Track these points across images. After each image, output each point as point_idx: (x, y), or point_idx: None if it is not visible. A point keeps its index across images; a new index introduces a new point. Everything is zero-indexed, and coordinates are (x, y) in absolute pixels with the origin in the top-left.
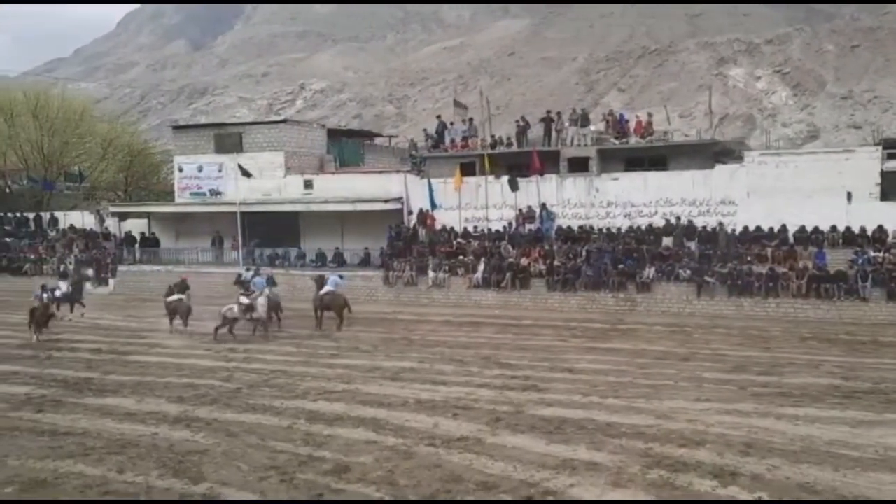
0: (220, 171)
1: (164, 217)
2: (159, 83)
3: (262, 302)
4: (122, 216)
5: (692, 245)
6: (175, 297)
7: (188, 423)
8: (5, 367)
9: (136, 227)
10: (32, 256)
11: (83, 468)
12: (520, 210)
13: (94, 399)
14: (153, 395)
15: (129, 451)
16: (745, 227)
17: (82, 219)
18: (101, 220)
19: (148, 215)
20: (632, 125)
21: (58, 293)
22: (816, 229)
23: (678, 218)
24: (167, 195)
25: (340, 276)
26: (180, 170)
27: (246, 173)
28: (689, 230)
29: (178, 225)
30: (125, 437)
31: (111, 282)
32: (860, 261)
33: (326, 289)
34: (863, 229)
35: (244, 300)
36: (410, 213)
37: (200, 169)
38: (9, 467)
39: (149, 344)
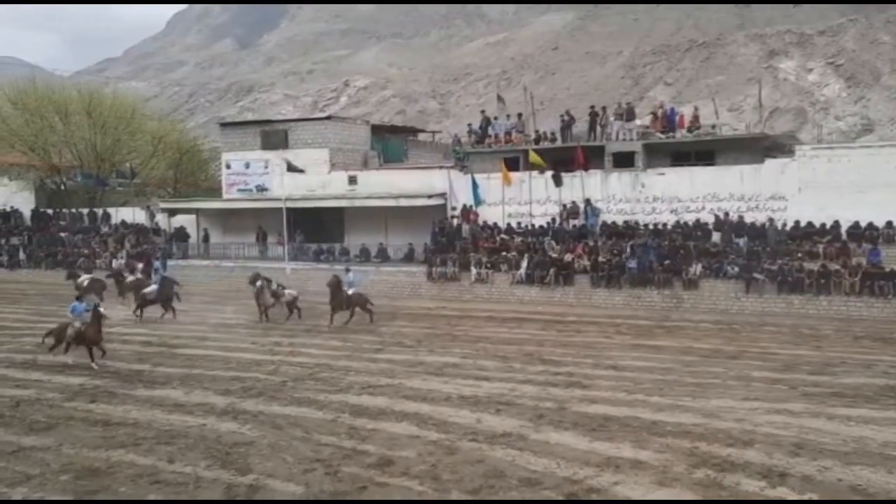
0: (266, 167)
1: (213, 213)
2: (207, 81)
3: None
4: (172, 212)
5: (741, 241)
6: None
7: (235, 415)
8: (60, 358)
9: (184, 222)
10: (86, 251)
11: (134, 458)
12: (564, 205)
13: (145, 390)
14: (201, 388)
15: (178, 441)
16: (796, 223)
17: (133, 215)
18: (152, 216)
19: (196, 211)
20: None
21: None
22: (871, 225)
23: (726, 214)
24: (215, 191)
25: (348, 270)
26: (228, 166)
27: (295, 169)
28: (738, 226)
29: (226, 221)
30: (174, 427)
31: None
32: None
33: (354, 289)
34: None
35: (274, 285)
36: (454, 208)
37: (247, 165)
38: (64, 455)
39: (197, 337)
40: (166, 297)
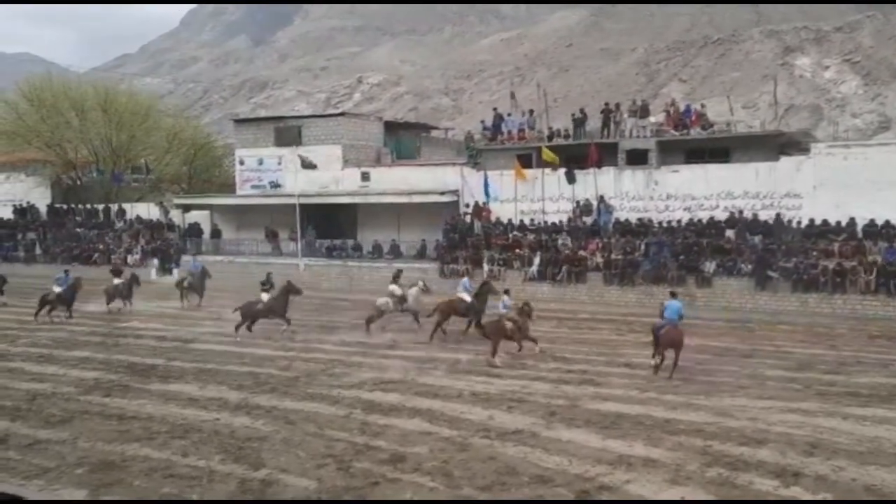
0: (279, 163)
1: (226, 209)
2: (221, 78)
3: (413, 293)
4: (186, 208)
5: (755, 239)
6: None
7: (248, 410)
8: (76, 352)
9: (198, 218)
10: (101, 247)
11: (149, 451)
12: (577, 203)
13: (159, 385)
14: (215, 382)
15: (191, 435)
16: (811, 221)
17: (148, 210)
18: (166, 212)
19: (210, 207)
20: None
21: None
22: (887, 223)
23: (741, 211)
24: (229, 187)
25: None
26: (241, 163)
27: (309, 165)
28: (752, 224)
29: (239, 217)
30: (188, 422)
31: (175, 271)
32: None
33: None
34: None
35: (397, 291)
36: (466, 205)
37: (261, 162)
38: (79, 449)
39: (210, 332)
40: (201, 287)
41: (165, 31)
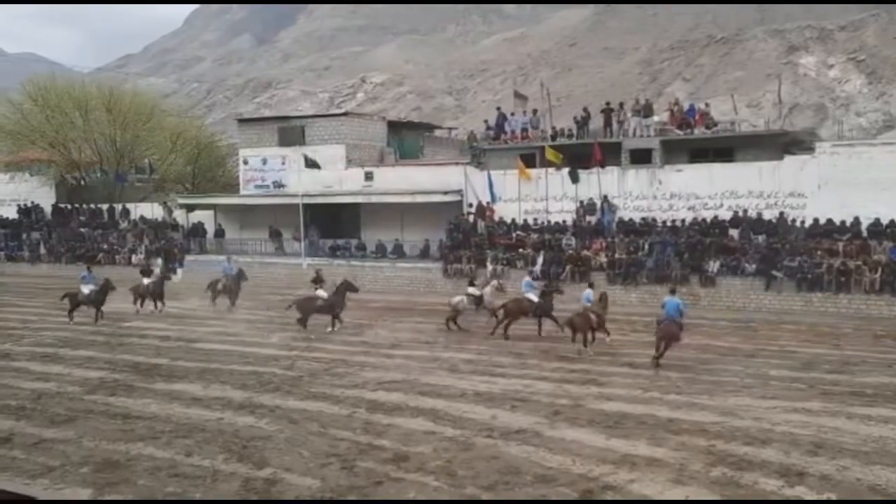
0: (283, 163)
1: (230, 209)
2: (225, 78)
3: (488, 291)
4: (190, 208)
5: (759, 238)
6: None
7: (252, 410)
8: (80, 352)
9: (202, 218)
10: (105, 247)
11: (153, 451)
12: (580, 202)
13: (163, 384)
14: (219, 382)
15: (196, 435)
16: (816, 220)
17: (152, 210)
18: (170, 212)
19: (214, 207)
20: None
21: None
22: (892, 222)
23: (745, 211)
24: (232, 187)
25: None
26: (245, 162)
27: (313, 164)
28: (756, 223)
29: (243, 216)
30: (192, 421)
31: (179, 271)
32: None
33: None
34: None
35: (475, 292)
36: (469, 205)
37: (265, 162)
38: (84, 448)
39: (214, 332)
40: (236, 289)
41: (169, 31)
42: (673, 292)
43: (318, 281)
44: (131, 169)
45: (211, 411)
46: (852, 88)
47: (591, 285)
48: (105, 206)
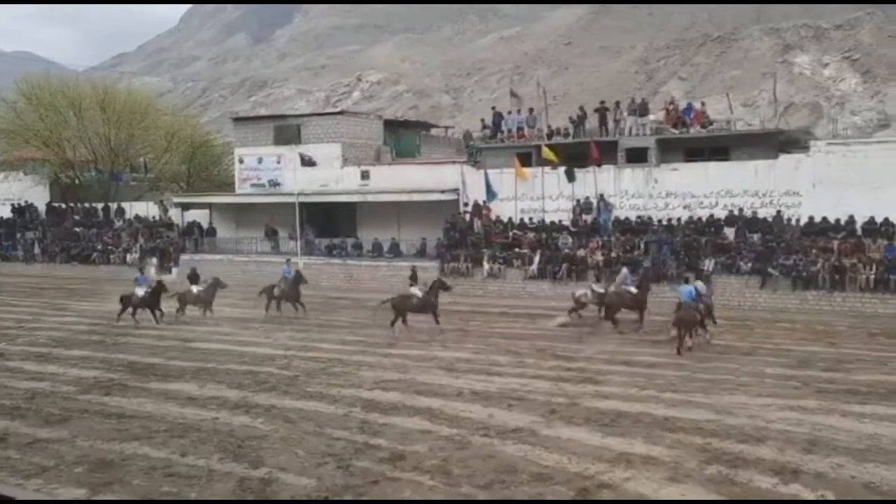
0: (279, 162)
1: (225, 208)
2: (220, 76)
3: (610, 289)
4: (185, 207)
5: (755, 237)
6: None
7: (248, 409)
8: (75, 351)
9: (197, 217)
10: (100, 246)
11: (148, 450)
12: (577, 201)
13: (159, 384)
14: (214, 381)
15: (191, 434)
16: (811, 219)
17: (147, 209)
18: (165, 211)
19: (209, 206)
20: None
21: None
22: (886, 221)
23: (740, 209)
24: (228, 186)
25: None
26: (241, 161)
27: (309, 162)
28: (752, 222)
29: (239, 215)
30: (187, 421)
31: (174, 270)
32: None
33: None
34: None
35: (599, 289)
36: (466, 203)
37: (260, 161)
38: (78, 448)
39: (210, 331)
40: (296, 294)
41: (164, 30)
42: (686, 281)
43: (413, 279)
44: (126, 168)
45: (206, 411)
46: (847, 87)
47: (687, 280)
48: (100, 206)
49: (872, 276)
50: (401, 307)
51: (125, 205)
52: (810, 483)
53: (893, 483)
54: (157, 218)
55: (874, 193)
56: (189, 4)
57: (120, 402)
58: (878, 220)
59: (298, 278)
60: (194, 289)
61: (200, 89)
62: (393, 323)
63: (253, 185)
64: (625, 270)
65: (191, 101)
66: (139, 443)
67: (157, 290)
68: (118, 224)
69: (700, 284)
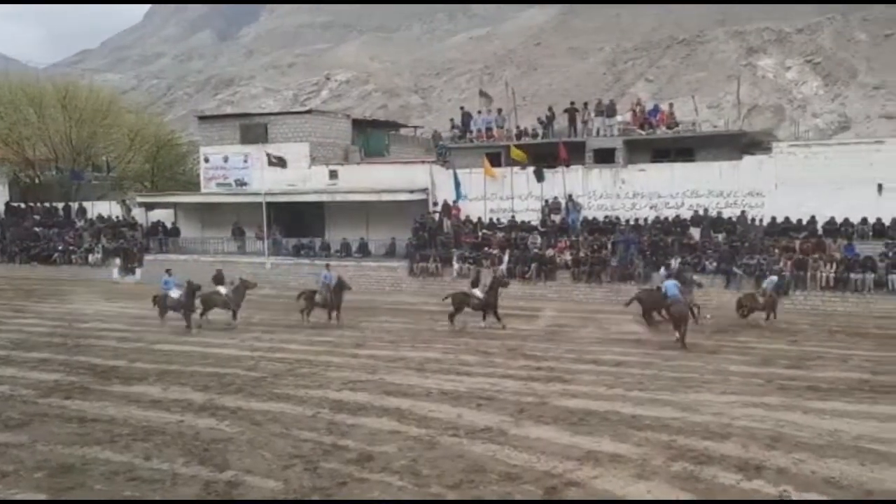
0: (245, 161)
1: (191, 207)
2: (185, 74)
3: (686, 289)
4: (149, 206)
5: (719, 237)
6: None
7: (213, 412)
8: (35, 354)
9: (162, 217)
10: (61, 246)
11: (110, 455)
12: (546, 201)
13: (121, 387)
14: (179, 384)
15: (155, 438)
16: (773, 219)
17: (109, 209)
18: (128, 210)
19: (174, 205)
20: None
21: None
22: (846, 221)
23: (705, 209)
24: (193, 185)
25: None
26: (206, 160)
27: (277, 162)
28: (716, 222)
29: (204, 215)
30: (151, 424)
31: (138, 271)
32: (891, 253)
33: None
34: (893, 221)
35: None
36: (435, 203)
37: (226, 159)
38: (38, 452)
39: (174, 333)
40: (339, 302)
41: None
42: (669, 276)
43: (475, 283)
44: (88, 167)
45: (171, 414)
46: (809, 90)
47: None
48: (60, 205)
49: (832, 275)
50: (460, 304)
51: (87, 204)
52: (773, 478)
53: (853, 478)
54: (120, 218)
55: (834, 194)
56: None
57: (81, 406)
58: (839, 220)
59: (342, 285)
60: (222, 290)
61: (165, 87)
62: (451, 317)
63: (219, 185)
64: (663, 270)
65: (155, 99)
66: (101, 447)
67: (192, 291)
68: (79, 224)
69: (671, 283)
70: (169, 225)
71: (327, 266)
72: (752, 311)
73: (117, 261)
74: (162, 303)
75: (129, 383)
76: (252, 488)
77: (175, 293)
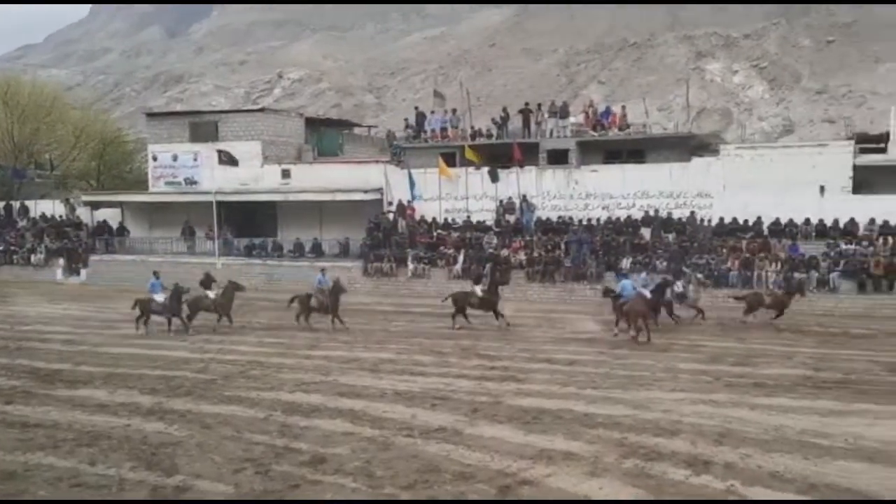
0: (195, 159)
1: (138, 206)
2: (133, 70)
3: (692, 288)
4: (95, 205)
5: (670, 237)
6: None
7: (162, 415)
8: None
9: (108, 216)
10: (1, 247)
11: (54, 460)
12: (500, 201)
13: (65, 390)
14: (126, 387)
15: (100, 443)
16: (721, 220)
17: (53, 208)
18: (72, 209)
19: (121, 205)
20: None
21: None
22: (791, 222)
23: (656, 210)
24: (141, 184)
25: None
26: (154, 158)
27: (229, 160)
28: (667, 222)
29: (153, 215)
30: (97, 428)
31: (83, 272)
32: (832, 253)
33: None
34: (835, 222)
35: (678, 289)
36: (390, 203)
37: (175, 158)
38: None
39: (121, 335)
40: (336, 306)
41: (73, 21)
42: (625, 276)
43: (477, 280)
44: (30, 165)
45: (117, 418)
46: (755, 94)
47: (626, 276)
48: (1, 204)
49: (778, 274)
50: (461, 303)
51: (29, 203)
52: (720, 473)
53: (797, 471)
54: (64, 217)
55: (779, 195)
56: (92, 5)
57: (23, 411)
58: (783, 220)
59: (338, 288)
60: (210, 294)
61: (112, 83)
62: (454, 317)
63: (168, 184)
64: (644, 274)
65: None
66: (44, 453)
67: (178, 295)
68: (21, 223)
69: (627, 282)
70: (116, 225)
71: (323, 270)
72: (755, 308)
73: (61, 261)
74: (146, 307)
75: (73, 387)
76: (202, 493)
77: (160, 297)
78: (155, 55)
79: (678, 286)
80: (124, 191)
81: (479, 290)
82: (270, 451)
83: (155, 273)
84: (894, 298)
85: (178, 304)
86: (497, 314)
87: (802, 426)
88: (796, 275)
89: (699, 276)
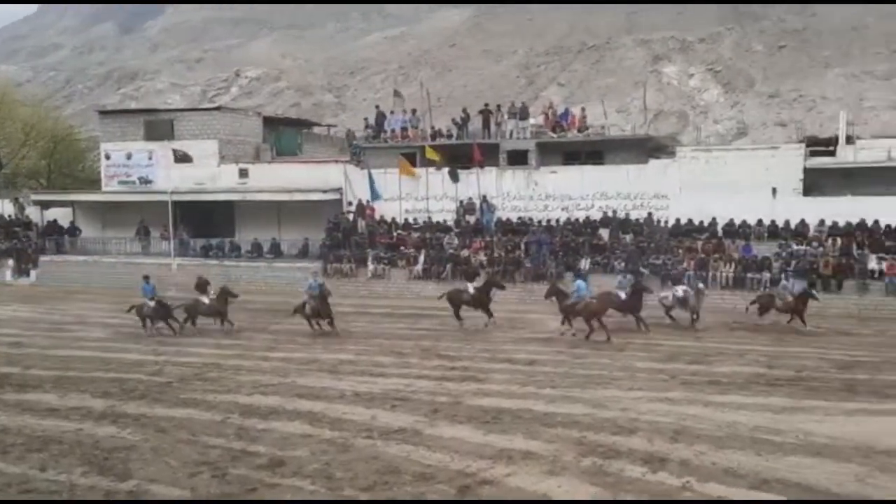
0: (150, 158)
1: (91, 206)
2: (85, 67)
3: (692, 293)
4: (45, 205)
5: (627, 237)
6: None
7: (115, 419)
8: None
9: (59, 216)
10: None
11: (2, 466)
12: (461, 202)
13: (14, 395)
14: (77, 391)
15: (51, 447)
16: (678, 220)
17: (2, 207)
18: (21, 209)
19: (72, 204)
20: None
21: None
22: (744, 223)
23: (614, 211)
24: (93, 183)
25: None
26: (107, 157)
27: (183, 157)
28: (624, 223)
29: (106, 214)
30: (47, 433)
31: (32, 272)
32: (784, 253)
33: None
34: (787, 223)
35: (679, 293)
36: (350, 203)
37: (129, 156)
38: None
39: (73, 337)
40: (327, 310)
41: (22, 16)
42: (581, 277)
43: (470, 278)
44: None
45: (69, 422)
46: (710, 97)
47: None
48: None
49: (731, 275)
50: (455, 300)
51: None
52: (676, 470)
53: (750, 467)
54: (13, 216)
55: (733, 197)
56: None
57: None
58: (737, 221)
59: (324, 292)
60: (205, 299)
61: (63, 80)
62: (457, 316)
63: (121, 183)
64: (620, 278)
65: (52, 93)
66: None
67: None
68: None
69: (582, 283)
70: (67, 224)
71: (313, 274)
72: (767, 310)
73: (10, 262)
74: (141, 312)
75: (23, 391)
76: (156, 497)
77: (152, 303)
78: (108, 52)
79: (679, 291)
80: (76, 190)
81: (471, 287)
82: (227, 454)
83: (145, 277)
84: (843, 298)
85: (167, 310)
86: (488, 313)
87: (755, 423)
88: (795, 281)
89: (700, 284)
